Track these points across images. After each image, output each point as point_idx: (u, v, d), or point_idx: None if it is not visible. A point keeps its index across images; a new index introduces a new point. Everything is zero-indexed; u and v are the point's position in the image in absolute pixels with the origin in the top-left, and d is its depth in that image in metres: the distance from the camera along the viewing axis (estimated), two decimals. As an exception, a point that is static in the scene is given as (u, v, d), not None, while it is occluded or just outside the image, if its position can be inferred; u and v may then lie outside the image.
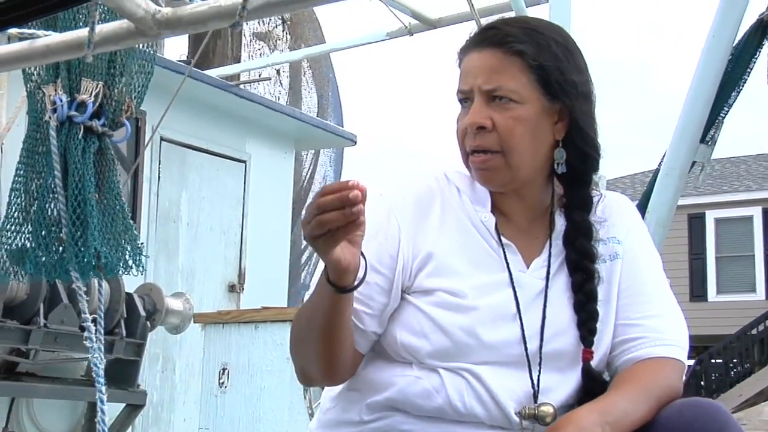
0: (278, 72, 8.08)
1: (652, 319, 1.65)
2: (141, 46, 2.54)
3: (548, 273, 1.65)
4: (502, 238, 1.65)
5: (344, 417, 1.66)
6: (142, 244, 2.40)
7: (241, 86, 6.69)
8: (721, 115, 4.05)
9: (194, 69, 5.24)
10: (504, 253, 1.64)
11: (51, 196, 2.31)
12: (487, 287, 1.61)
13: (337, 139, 7.51)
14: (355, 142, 7.55)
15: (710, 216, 19.11)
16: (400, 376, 1.60)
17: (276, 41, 8.64)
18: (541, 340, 1.61)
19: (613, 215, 1.72)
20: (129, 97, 2.50)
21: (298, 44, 8.58)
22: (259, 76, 7.54)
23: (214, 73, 6.60)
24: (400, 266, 1.61)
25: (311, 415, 4.01)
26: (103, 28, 1.90)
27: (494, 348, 1.59)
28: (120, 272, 2.40)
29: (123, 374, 4.96)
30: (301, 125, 6.98)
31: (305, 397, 4.01)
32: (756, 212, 19.14)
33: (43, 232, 2.31)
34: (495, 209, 1.67)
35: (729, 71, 3.83)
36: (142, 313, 5.04)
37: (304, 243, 8.07)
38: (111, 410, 4.96)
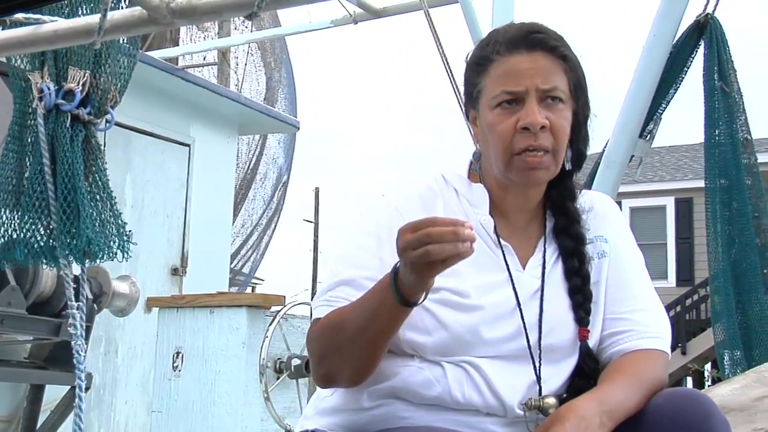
0: (204, 58, 8.04)
1: (638, 313, 1.73)
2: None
3: (543, 271, 1.72)
4: (501, 240, 1.71)
5: (343, 404, 1.70)
6: (130, 231, 2.43)
7: (186, 69, 6.66)
8: (660, 110, 4.24)
9: (141, 52, 5.21)
10: (503, 253, 1.70)
11: (40, 183, 2.31)
12: (488, 287, 1.67)
13: (281, 125, 7.50)
14: (298, 128, 7.56)
15: (626, 205, 19.58)
16: (403, 366, 1.65)
17: (207, 27, 8.56)
18: (540, 335, 1.68)
19: (599, 214, 1.80)
20: (114, 85, 2.52)
21: (227, 29, 8.52)
22: (204, 59, 7.49)
23: (155, 54, 6.55)
24: None
25: (267, 399, 4.07)
26: (114, 15, 1.87)
27: (494, 344, 1.65)
28: (106, 259, 2.44)
29: (69, 357, 4.91)
30: (244, 110, 6.97)
31: (261, 381, 4.06)
32: (669, 202, 19.68)
33: (33, 219, 2.32)
34: (492, 210, 1.72)
35: (667, 69, 4.02)
36: (89, 296, 5.01)
37: (248, 223, 8.07)
38: (56, 392, 4.95)
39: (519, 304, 1.67)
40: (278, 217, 8.45)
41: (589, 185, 4.07)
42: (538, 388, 1.68)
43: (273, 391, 4.05)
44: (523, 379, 1.67)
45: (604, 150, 4.15)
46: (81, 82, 2.41)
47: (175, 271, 6.46)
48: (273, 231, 8.50)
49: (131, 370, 6.03)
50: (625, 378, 1.64)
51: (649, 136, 4.24)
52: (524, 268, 1.72)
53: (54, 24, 1.92)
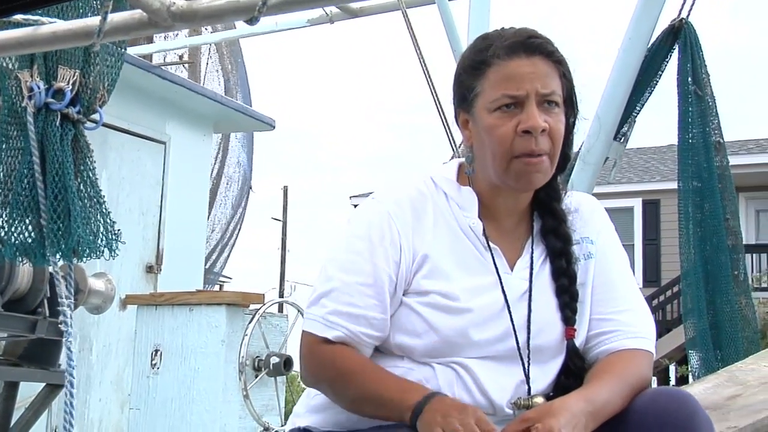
0: (180, 57, 8.02)
1: (624, 314, 1.77)
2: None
3: (531, 272, 1.75)
4: (490, 243, 1.73)
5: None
6: (119, 230, 2.44)
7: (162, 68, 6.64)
8: (634, 113, 4.31)
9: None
10: (492, 256, 1.73)
11: (29, 181, 2.31)
12: (477, 290, 1.70)
13: (256, 123, 7.49)
14: (274, 127, 7.55)
15: (595, 206, 19.74)
16: (393, 366, 1.68)
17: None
18: (528, 335, 1.71)
19: (584, 215, 1.83)
20: (102, 84, 2.52)
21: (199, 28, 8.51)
22: (164, 59, 7.47)
23: (130, 51, 6.53)
24: (403, 270, 1.68)
25: (246, 397, 4.09)
26: (114, 17, 1.85)
27: (483, 345, 1.68)
28: (94, 257, 2.45)
29: (44, 354, 4.90)
30: (220, 108, 6.96)
31: (240, 379, 4.08)
32: (636, 203, 19.88)
33: (22, 217, 2.32)
34: (481, 213, 1.74)
35: (642, 72, 4.08)
36: (67, 293, 4.99)
37: (218, 228, 8.05)
38: (30, 389, 4.92)
39: (508, 306, 1.70)
40: (243, 216, 8.48)
41: (564, 186, 4.13)
42: (526, 387, 1.71)
43: (252, 389, 4.07)
44: (512, 378, 1.70)
45: (579, 151, 4.21)
46: (71, 81, 2.41)
47: (150, 269, 6.45)
48: (239, 230, 8.53)
49: (105, 367, 6.01)
50: (610, 377, 1.67)
51: (623, 138, 4.31)
52: (512, 270, 1.75)
53: (53, 26, 1.91)
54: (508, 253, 1.75)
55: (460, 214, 1.74)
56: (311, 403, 1.78)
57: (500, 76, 1.67)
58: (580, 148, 4.21)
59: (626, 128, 4.32)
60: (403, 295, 1.70)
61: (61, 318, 2.42)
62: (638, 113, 4.30)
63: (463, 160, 1.81)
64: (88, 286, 5.17)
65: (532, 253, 1.77)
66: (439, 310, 1.67)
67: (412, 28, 4.68)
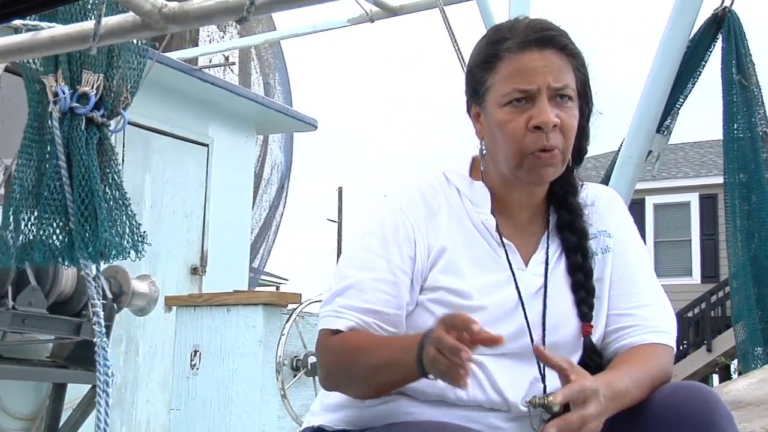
0: (226, 58, 8.07)
1: (644, 309, 1.73)
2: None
3: (546, 268, 1.71)
4: (504, 239, 1.70)
5: (348, 400, 1.70)
6: (145, 232, 2.46)
7: (203, 70, 6.70)
8: (677, 105, 4.22)
9: (159, 53, 5.26)
10: (506, 252, 1.70)
11: (57, 185, 2.34)
12: (490, 287, 1.67)
13: (298, 124, 7.52)
14: (316, 127, 7.57)
15: (649, 202, 19.47)
16: None
17: (226, 26, 8.61)
18: (543, 332, 1.67)
19: (601, 208, 1.79)
20: (125, 87, 2.55)
21: (248, 29, 8.56)
22: (210, 61, 7.53)
23: (173, 56, 6.60)
24: (419, 266, 1.66)
25: (284, 396, 4.09)
26: (108, 21, 1.89)
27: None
28: (121, 258, 2.47)
29: (90, 356, 4.96)
30: (262, 109, 7.00)
31: (277, 379, 4.08)
32: (693, 198, 19.54)
33: (51, 220, 2.36)
34: (494, 208, 1.71)
35: (685, 63, 4.00)
36: (109, 295, 5.06)
37: (256, 228, 8.10)
38: (77, 391, 5.00)
39: (522, 303, 1.67)
40: (281, 218, 8.53)
41: (606, 182, 4.06)
42: (542, 386, 1.68)
43: (290, 389, 4.07)
44: (526, 376, 1.68)
45: (620, 147, 4.14)
46: (95, 86, 2.44)
47: (194, 271, 6.50)
48: (276, 232, 8.58)
49: (152, 369, 6.08)
50: (631, 367, 1.64)
51: (666, 131, 4.23)
52: (527, 266, 1.71)
53: (51, 30, 1.96)
54: (523, 249, 1.72)
55: (473, 210, 1.71)
56: (325, 401, 1.77)
57: (511, 70, 1.64)
58: (621, 144, 4.15)
59: (669, 120, 4.24)
60: (419, 293, 1.67)
61: (94, 319, 2.44)
62: (681, 105, 4.22)
63: (476, 154, 1.78)
64: (131, 288, 5.24)
65: (548, 248, 1.73)
66: (452, 309, 1.62)
67: (449, 25, 4.64)
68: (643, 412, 1.60)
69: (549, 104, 1.62)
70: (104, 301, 4.87)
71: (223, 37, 8.54)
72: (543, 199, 1.76)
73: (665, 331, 1.73)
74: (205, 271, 6.53)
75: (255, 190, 8.10)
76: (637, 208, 19.30)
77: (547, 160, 1.63)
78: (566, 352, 1.69)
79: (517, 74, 1.63)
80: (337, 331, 1.66)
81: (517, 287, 1.67)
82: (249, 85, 8.36)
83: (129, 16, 1.84)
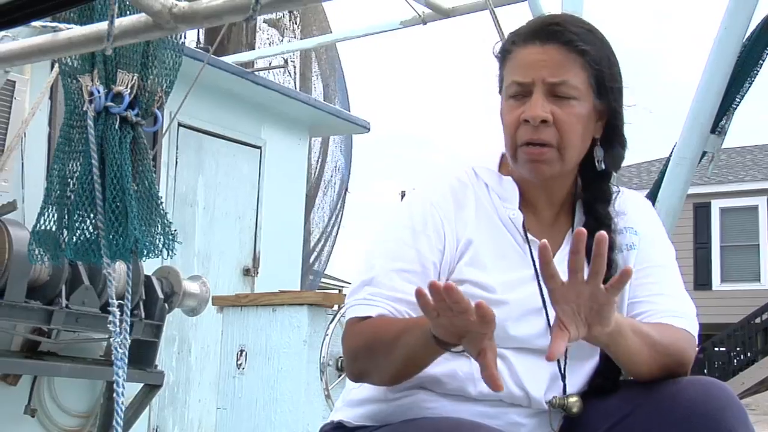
0: (286, 61, 8.13)
1: (662, 297, 1.70)
2: (171, 37, 2.61)
3: None
4: (528, 235, 1.69)
5: (369, 395, 1.72)
6: (175, 230, 2.48)
7: (256, 73, 6.75)
8: (733, 105, 4.11)
9: (212, 56, 5.32)
10: (530, 249, 1.69)
11: (89, 184, 2.38)
12: (513, 283, 1.66)
13: (351, 126, 7.53)
14: (369, 129, 7.58)
15: (716, 205, 19.11)
16: None
17: (284, 30, 8.69)
18: None
19: (630, 208, 1.77)
20: (160, 87, 2.58)
21: (305, 33, 8.62)
22: (270, 64, 7.59)
23: (229, 59, 6.67)
24: (447, 258, 1.67)
25: (327, 397, 4.10)
26: (122, 22, 1.93)
27: (521, 340, 1.65)
28: (151, 257, 2.49)
29: (141, 355, 5.07)
30: (315, 112, 7.03)
31: (321, 379, 4.09)
32: (761, 202, 19.13)
33: (83, 218, 2.40)
34: (522, 205, 1.71)
35: (741, 62, 3.89)
36: (161, 295, 5.15)
37: (316, 231, 8.15)
38: (130, 390, 5.07)
39: (543, 300, 1.65)
40: (340, 221, 8.55)
41: (658, 184, 3.99)
42: (562, 385, 1.67)
43: (334, 389, 4.07)
44: (547, 372, 1.67)
45: (674, 147, 4.06)
46: (129, 85, 2.48)
47: (247, 272, 6.56)
48: (336, 235, 8.61)
49: (204, 369, 6.14)
50: (649, 328, 1.62)
51: (720, 131, 4.13)
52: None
53: (69, 32, 2.00)
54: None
55: (501, 205, 1.71)
56: (348, 397, 1.78)
57: (513, 64, 1.67)
58: (674, 147, 4.06)
59: (724, 121, 4.14)
60: None
61: (110, 318, 2.48)
62: (737, 105, 4.12)
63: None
64: (182, 289, 5.33)
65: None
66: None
67: (500, 27, 4.61)
68: (656, 406, 1.58)
69: (546, 99, 1.61)
70: (142, 299, 4.97)
71: (281, 40, 8.64)
72: (568, 198, 1.75)
73: (685, 316, 1.69)
74: (258, 273, 6.58)
75: (315, 192, 8.15)
76: (702, 211, 18.95)
77: (534, 155, 1.63)
78: (585, 352, 1.69)
79: (517, 67, 1.66)
80: (368, 317, 1.65)
81: (540, 285, 1.65)
82: (309, 89, 8.42)
83: (141, 17, 1.89)
